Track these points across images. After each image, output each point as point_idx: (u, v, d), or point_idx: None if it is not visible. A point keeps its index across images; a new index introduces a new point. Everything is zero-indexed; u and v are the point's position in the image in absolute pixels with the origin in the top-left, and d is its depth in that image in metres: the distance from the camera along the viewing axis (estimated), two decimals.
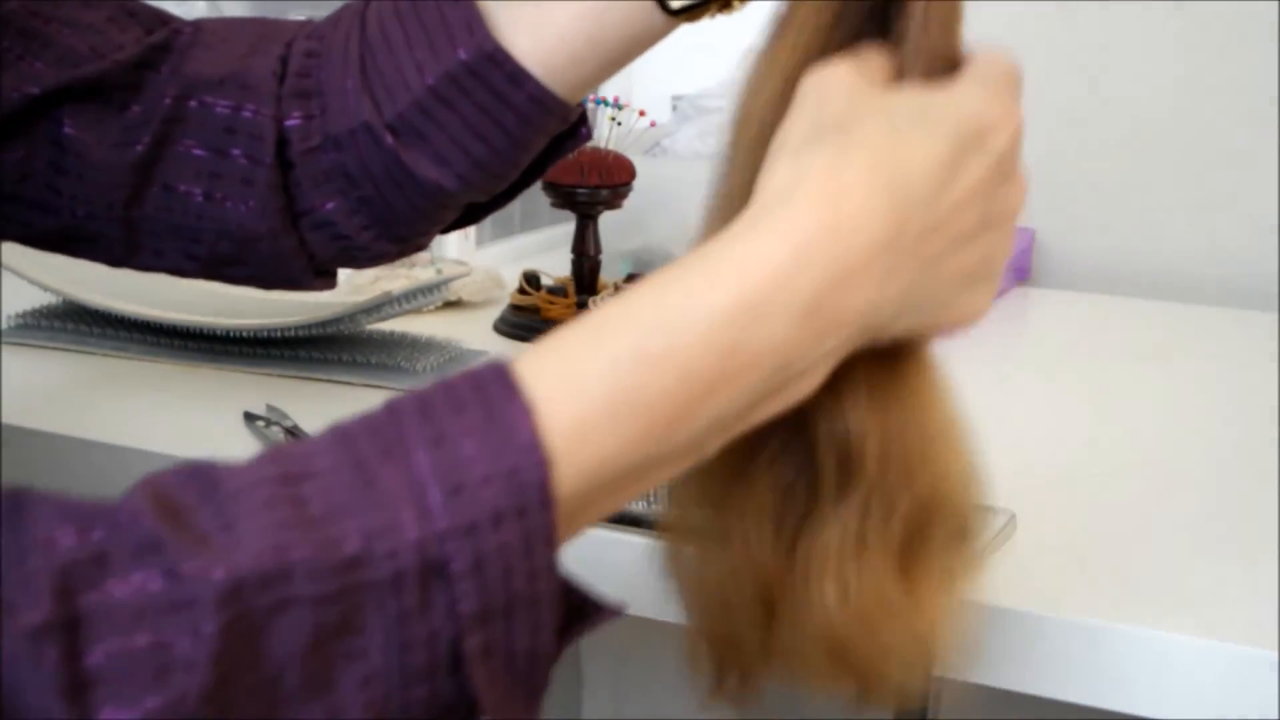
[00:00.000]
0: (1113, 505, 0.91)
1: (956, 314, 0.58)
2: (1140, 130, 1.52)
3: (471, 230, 1.43)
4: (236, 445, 0.97)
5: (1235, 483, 0.96)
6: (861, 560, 0.59)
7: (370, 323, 1.16)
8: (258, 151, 0.76)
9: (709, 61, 1.58)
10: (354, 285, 1.24)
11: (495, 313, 1.30)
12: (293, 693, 0.47)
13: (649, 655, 1.64)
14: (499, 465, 0.49)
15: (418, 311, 1.21)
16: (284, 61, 0.77)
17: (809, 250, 0.52)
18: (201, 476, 0.50)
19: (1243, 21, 1.46)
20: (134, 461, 0.96)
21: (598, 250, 1.28)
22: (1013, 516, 0.83)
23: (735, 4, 0.70)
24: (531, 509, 0.49)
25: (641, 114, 1.33)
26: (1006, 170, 0.57)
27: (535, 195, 0.85)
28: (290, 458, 0.50)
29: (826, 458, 0.59)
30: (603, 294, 1.27)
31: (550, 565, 0.50)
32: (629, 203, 1.28)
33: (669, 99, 1.63)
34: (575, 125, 0.77)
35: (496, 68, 0.71)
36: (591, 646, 1.69)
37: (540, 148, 0.76)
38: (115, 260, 0.81)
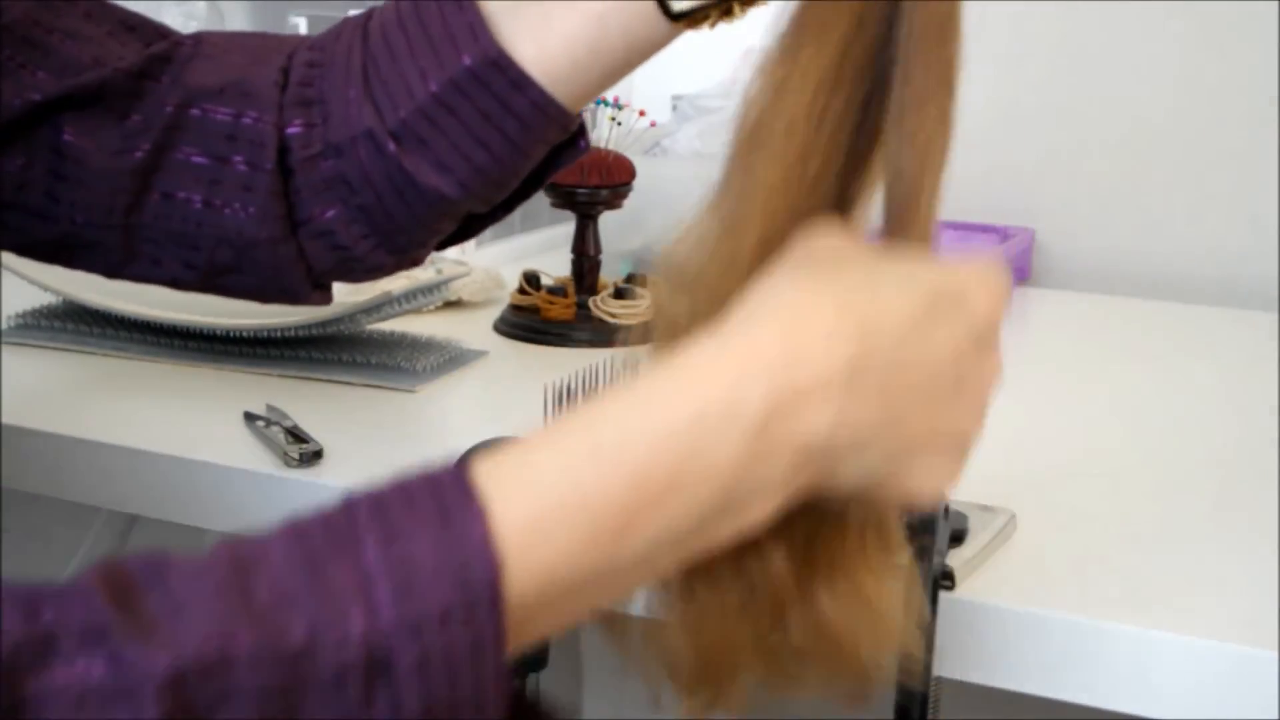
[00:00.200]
0: (1113, 505, 0.91)
1: (916, 480, 0.56)
2: (1140, 130, 1.52)
3: None
4: (236, 445, 0.97)
5: (1235, 483, 0.96)
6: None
7: (370, 323, 1.16)
8: (259, 158, 0.76)
9: (709, 61, 1.58)
10: (354, 285, 1.24)
11: (495, 313, 1.30)
12: None
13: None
14: (449, 563, 0.49)
15: (418, 311, 1.21)
16: (285, 72, 0.77)
17: (763, 369, 0.52)
18: (154, 561, 0.49)
19: (1243, 21, 1.46)
20: (134, 461, 0.96)
21: (598, 250, 1.28)
22: (1013, 516, 0.83)
23: (737, 11, 0.70)
24: (480, 609, 0.49)
25: (641, 114, 1.33)
26: (984, 342, 0.56)
27: (535, 195, 0.85)
28: (243, 547, 0.50)
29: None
30: (602, 294, 1.27)
31: (498, 668, 0.49)
32: (629, 203, 1.28)
33: (669, 99, 1.63)
34: (574, 137, 0.77)
35: (500, 73, 0.71)
36: (592, 647, 1.69)
37: (540, 156, 0.76)
38: (112, 269, 0.81)
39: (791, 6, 0.61)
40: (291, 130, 0.76)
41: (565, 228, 1.33)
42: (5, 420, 1.00)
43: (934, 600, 0.73)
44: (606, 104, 1.30)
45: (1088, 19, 1.52)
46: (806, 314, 0.54)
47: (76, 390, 1.10)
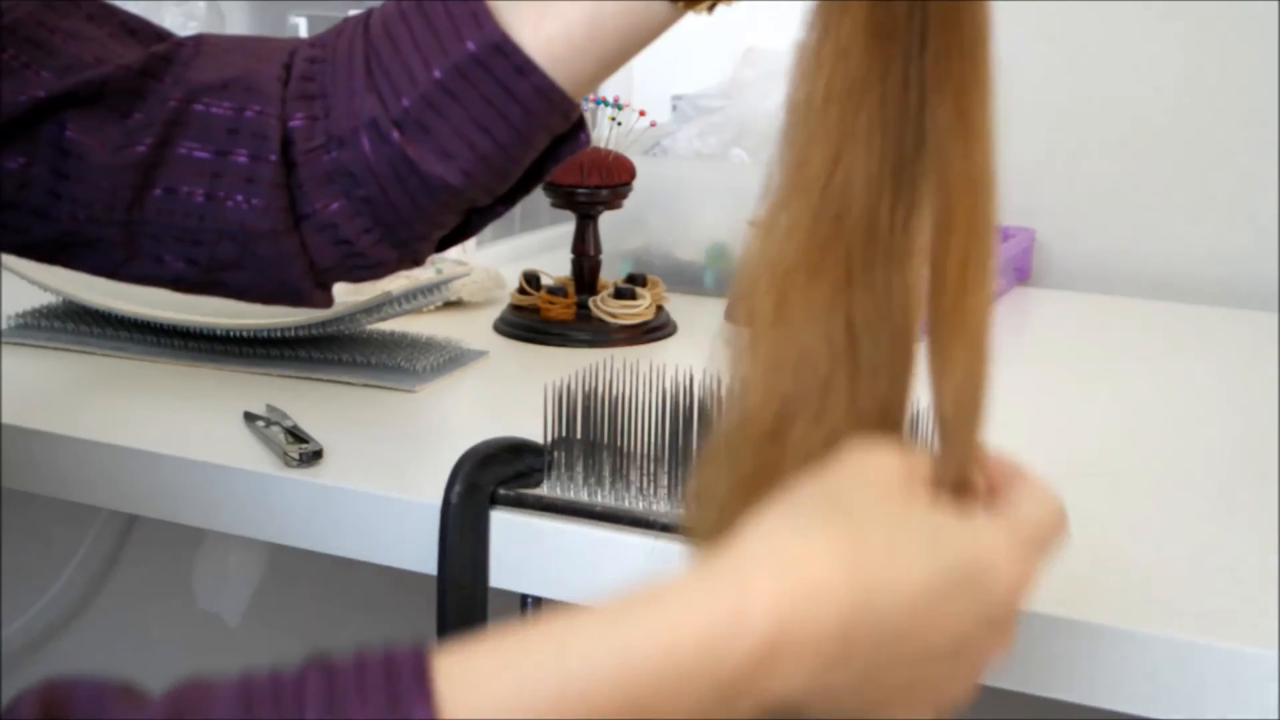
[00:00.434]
0: (1112, 505, 0.91)
1: (887, 714, 0.54)
2: (1140, 130, 1.53)
3: None
4: (236, 445, 0.97)
5: (1235, 483, 0.96)
6: None
7: (370, 323, 1.16)
8: (262, 150, 0.76)
9: (709, 61, 1.59)
10: (354, 285, 1.24)
11: (495, 313, 1.30)
12: None
13: None
14: None
15: (418, 311, 1.21)
16: (287, 68, 0.77)
17: (748, 628, 0.49)
18: (96, 696, 0.49)
19: (1243, 21, 1.46)
20: (134, 461, 0.97)
21: (598, 250, 1.28)
22: None
23: None
24: None
25: (641, 114, 1.33)
26: (998, 622, 0.54)
27: (535, 195, 0.85)
28: (187, 697, 0.49)
29: None
30: (602, 294, 1.27)
31: None
32: (629, 203, 1.28)
33: (669, 99, 1.63)
34: (574, 129, 0.78)
35: (504, 58, 0.72)
36: None
37: (542, 145, 0.76)
38: (113, 267, 0.81)
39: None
40: (294, 124, 0.76)
41: (565, 228, 1.33)
42: (5, 420, 1.00)
43: None
44: (606, 104, 1.30)
45: (1087, 19, 1.52)
46: (809, 569, 0.50)
47: (76, 390, 1.10)
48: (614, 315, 1.25)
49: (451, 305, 1.32)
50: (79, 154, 0.76)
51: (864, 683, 0.52)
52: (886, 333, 0.59)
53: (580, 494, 0.87)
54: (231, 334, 1.14)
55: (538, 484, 0.88)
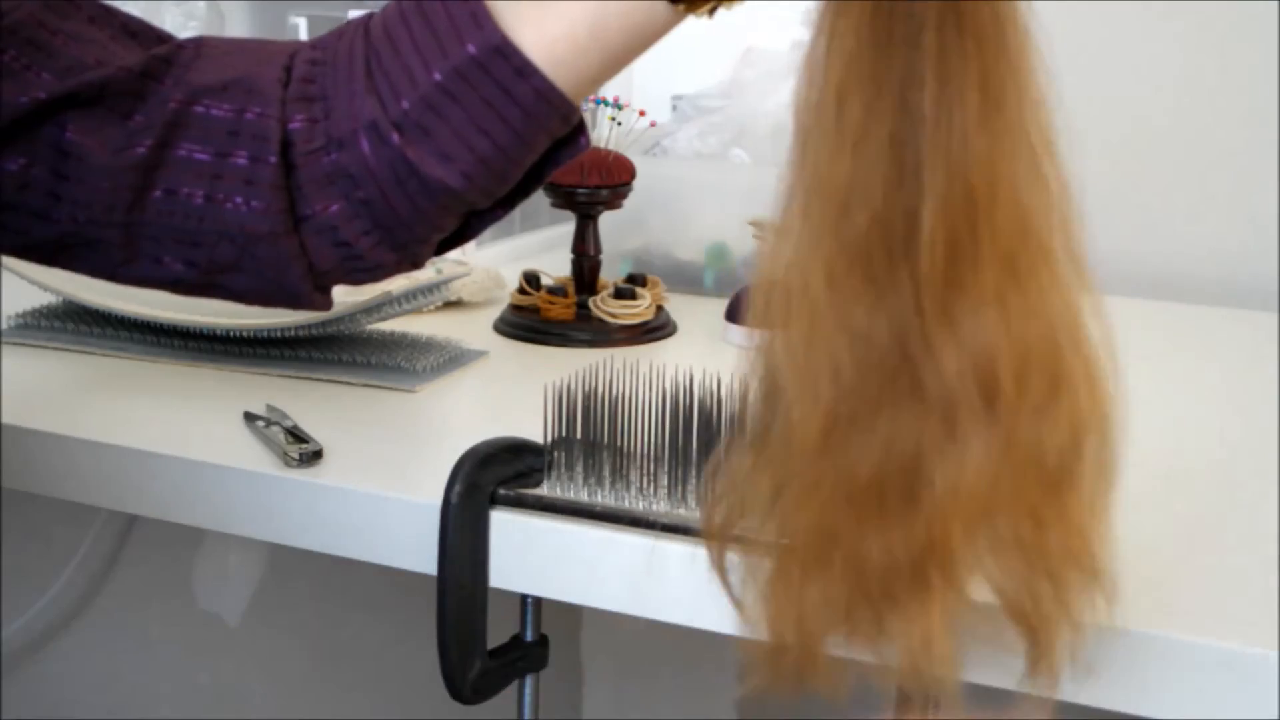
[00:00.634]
0: (1112, 505, 0.91)
1: None
2: (1140, 130, 1.52)
3: None
4: (236, 445, 0.97)
5: (1235, 482, 0.96)
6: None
7: (370, 323, 1.17)
8: (261, 151, 0.76)
9: (709, 61, 1.59)
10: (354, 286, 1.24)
11: (495, 313, 1.30)
12: None
13: (650, 652, 1.64)
14: None
15: (418, 311, 1.22)
16: (288, 70, 0.77)
17: None
18: None
19: (1243, 21, 1.46)
20: (134, 461, 0.97)
21: (598, 250, 1.28)
22: None
23: None
24: None
25: (641, 114, 1.33)
26: None
27: (535, 195, 0.85)
28: None
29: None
30: (602, 294, 1.27)
31: None
32: (629, 203, 1.28)
33: (669, 99, 1.63)
34: (574, 133, 0.78)
35: (504, 60, 0.72)
36: (592, 645, 1.69)
37: (542, 148, 0.76)
38: (112, 269, 0.81)
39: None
40: (294, 125, 0.76)
41: (565, 228, 1.33)
42: (5, 420, 1.00)
43: None
44: (606, 104, 1.30)
45: (1087, 19, 1.52)
46: None
47: (76, 390, 1.10)
48: (614, 315, 1.26)
49: (451, 305, 1.32)
50: (79, 155, 0.76)
51: None
52: (917, 329, 0.60)
53: (580, 494, 0.87)
54: (231, 334, 1.14)
55: (538, 484, 0.88)
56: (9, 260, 1.15)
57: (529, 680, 0.99)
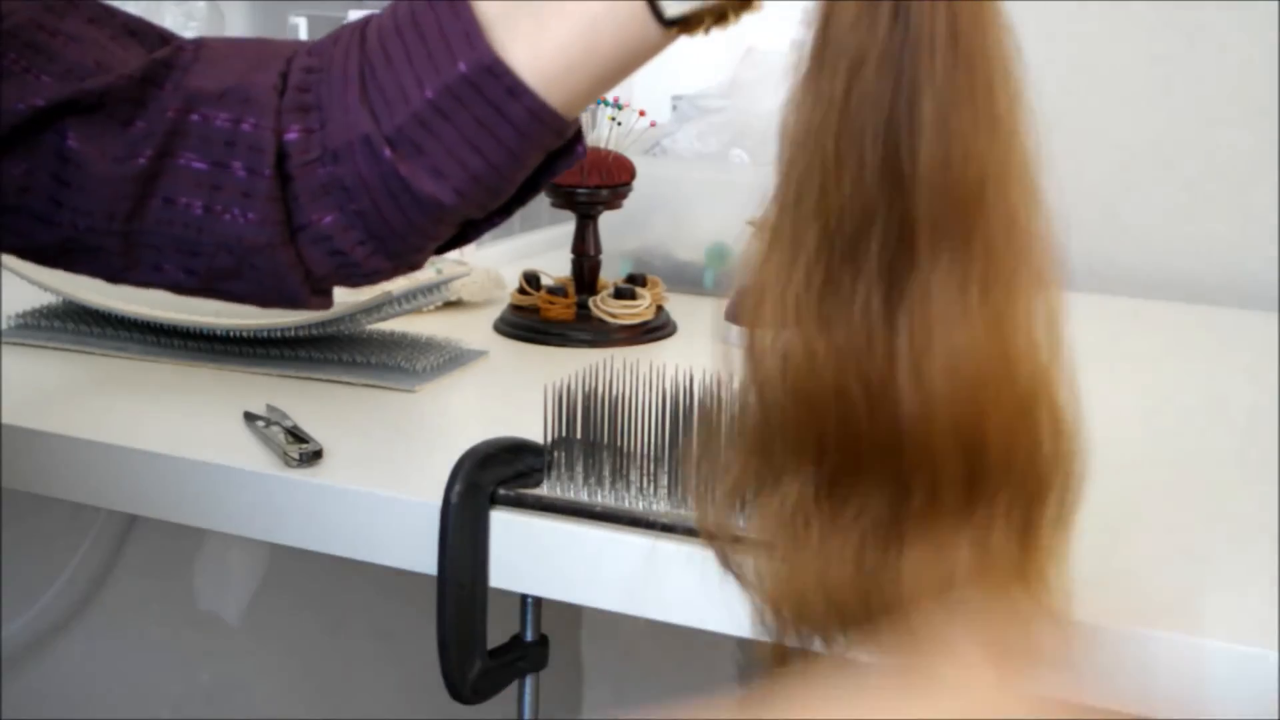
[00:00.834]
0: (1112, 505, 0.91)
1: None
2: (1140, 130, 1.53)
3: None
4: (236, 445, 0.97)
5: (1235, 483, 0.96)
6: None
7: (370, 323, 1.16)
8: (257, 164, 0.76)
9: (709, 61, 1.59)
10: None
11: (495, 313, 1.30)
12: None
13: (650, 652, 1.63)
14: None
15: (418, 311, 1.22)
16: (284, 77, 0.77)
17: None
18: None
19: (1243, 21, 1.46)
20: (134, 461, 0.97)
21: (598, 250, 1.28)
22: None
23: (731, 17, 0.70)
24: None
25: (641, 114, 1.33)
26: None
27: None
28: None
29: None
30: (602, 294, 1.27)
31: None
32: (629, 203, 1.28)
33: (669, 99, 1.63)
34: (570, 143, 0.77)
35: (495, 80, 0.71)
36: (592, 644, 1.69)
37: (536, 163, 0.76)
38: (114, 273, 0.81)
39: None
40: (290, 136, 0.76)
41: (565, 228, 1.33)
42: (5, 420, 1.00)
43: None
44: (606, 104, 1.30)
45: (1087, 19, 1.52)
46: None
47: (76, 390, 1.10)
48: (614, 315, 1.25)
49: (451, 305, 1.32)
50: (79, 163, 0.76)
51: None
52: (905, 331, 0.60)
53: (580, 494, 0.87)
54: (231, 334, 1.14)
55: (538, 484, 0.88)
56: (9, 260, 1.15)
57: (529, 680, 0.99)
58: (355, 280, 0.81)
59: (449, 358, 1.15)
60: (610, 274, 1.31)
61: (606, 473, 0.87)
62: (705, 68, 1.59)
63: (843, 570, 0.63)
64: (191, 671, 1.62)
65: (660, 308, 1.29)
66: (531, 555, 0.86)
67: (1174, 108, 1.51)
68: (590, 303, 1.26)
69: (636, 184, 1.27)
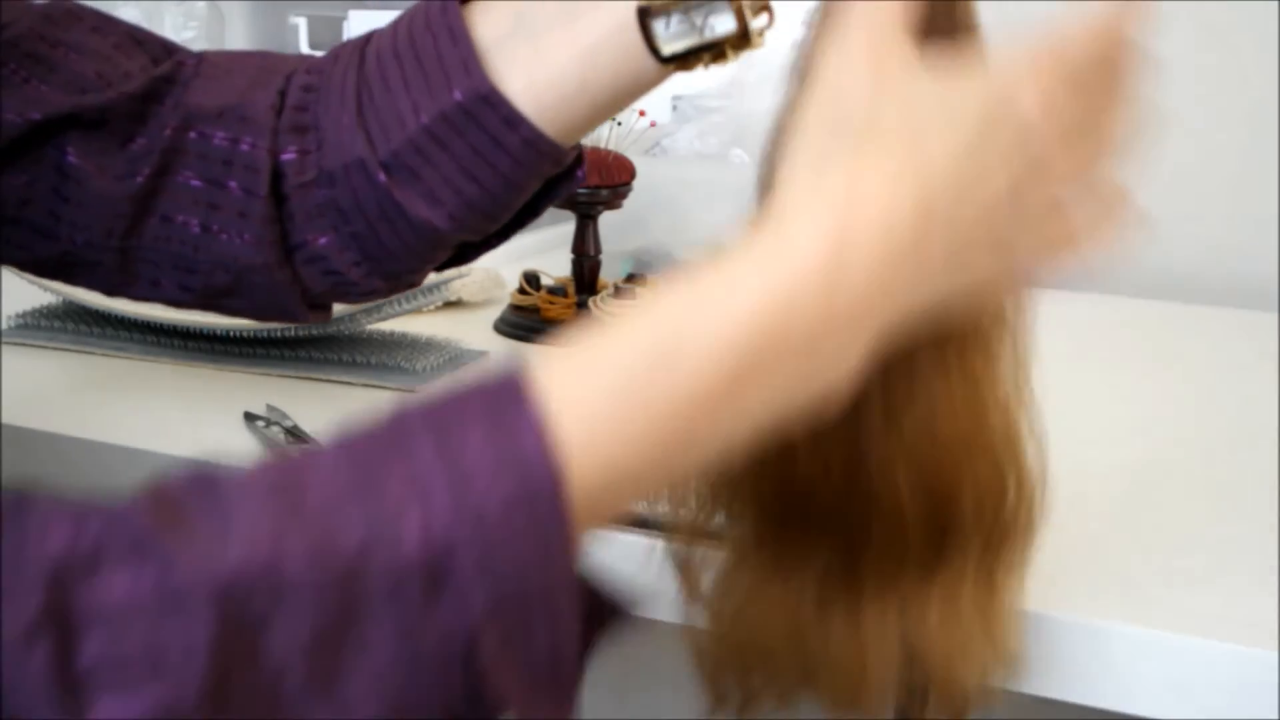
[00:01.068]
0: (1112, 505, 0.91)
1: (976, 290, 0.57)
2: (1139, 130, 1.52)
3: None
4: (237, 445, 0.97)
5: (1235, 483, 0.96)
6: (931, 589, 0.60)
7: (370, 323, 1.16)
8: (253, 184, 0.76)
9: None
10: None
11: (495, 313, 1.30)
12: (298, 689, 0.46)
13: (651, 654, 1.63)
14: (506, 455, 0.47)
15: (418, 311, 1.21)
16: (282, 95, 0.77)
17: (833, 257, 0.51)
18: (202, 476, 0.49)
19: (1243, 21, 1.46)
20: (134, 461, 0.96)
21: (598, 250, 1.28)
22: None
23: (729, 54, 0.70)
24: (542, 496, 0.47)
25: (641, 114, 1.33)
26: (1044, 157, 0.56)
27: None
28: (291, 458, 0.49)
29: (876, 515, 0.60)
30: (602, 294, 1.27)
31: (567, 558, 0.49)
32: (629, 203, 1.28)
33: (669, 99, 1.63)
34: (570, 168, 0.77)
35: (491, 109, 0.71)
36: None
37: (533, 189, 0.76)
38: (112, 288, 0.81)
39: None
40: (286, 156, 0.76)
41: (565, 228, 1.33)
42: (5, 420, 1.00)
43: None
44: None
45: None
46: (857, 196, 0.52)
47: (76, 390, 1.10)
48: (614, 315, 1.25)
49: (451, 305, 1.32)
50: (78, 179, 0.76)
51: (939, 263, 0.54)
52: None
53: None
54: (231, 334, 1.14)
55: None
56: None
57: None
58: (351, 298, 0.81)
59: (449, 358, 1.15)
60: (610, 274, 1.31)
61: None
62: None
63: (777, 620, 0.63)
64: None
65: None
66: None
67: (1174, 107, 1.51)
68: (590, 303, 1.26)
69: (636, 184, 1.27)
